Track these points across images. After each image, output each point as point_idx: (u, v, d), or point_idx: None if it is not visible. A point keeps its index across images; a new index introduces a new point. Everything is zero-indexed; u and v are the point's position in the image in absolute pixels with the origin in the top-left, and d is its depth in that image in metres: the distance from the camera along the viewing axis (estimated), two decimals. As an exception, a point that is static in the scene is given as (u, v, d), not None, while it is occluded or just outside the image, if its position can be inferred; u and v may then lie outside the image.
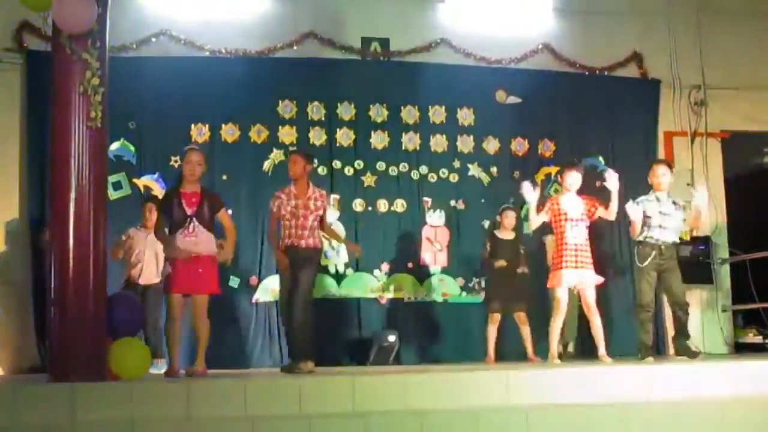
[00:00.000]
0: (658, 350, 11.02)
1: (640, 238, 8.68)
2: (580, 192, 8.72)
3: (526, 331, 9.66)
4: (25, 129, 9.99)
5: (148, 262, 9.22)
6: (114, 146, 9.95)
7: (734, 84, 11.72)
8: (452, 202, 11.01)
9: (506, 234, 9.79)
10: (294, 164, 8.13)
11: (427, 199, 10.96)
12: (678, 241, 8.85)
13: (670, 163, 8.99)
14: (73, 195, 6.32)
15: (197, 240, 7.43)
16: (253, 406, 5.82)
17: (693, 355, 8.78)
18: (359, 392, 6.01)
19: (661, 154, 11.70)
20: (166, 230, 7.55)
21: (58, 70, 6.46)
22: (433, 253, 10.90)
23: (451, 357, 10.42)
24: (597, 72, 11.73)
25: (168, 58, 10.43)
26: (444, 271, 10.90)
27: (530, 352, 9.64)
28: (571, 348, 10.00)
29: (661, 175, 8.76)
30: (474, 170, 11.14)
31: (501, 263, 9.59)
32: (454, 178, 11.08)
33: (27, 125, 9.97)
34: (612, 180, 8.57)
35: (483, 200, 11.12)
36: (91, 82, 6.37)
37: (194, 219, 7.44)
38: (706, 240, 11.44)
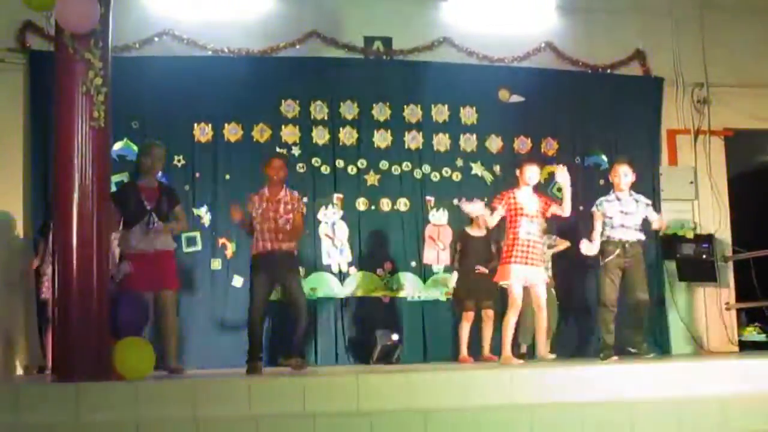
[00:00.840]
0: (666, 349, 11.07)
1: (604, 237, 8.67)
2: (537, 190, 8.81)
3: (488, 329, 9.70)
4: (28, 129, 9.99)
5: None
6: (117, 146, 9.94)
7: (738, 82, 11.71)
8: (455, 201, 10.99)
9: (477, 231, 9.79)
10: (280, 169, 8.19)
11: (430, 198, 10.95)
12: (643, 238, 8.82)
13: (631, 163, 8.94)
14: (76, 195, 6.33)
15: (156, 235, 7.44)
16: (257, 405, 5.82)
17: (646, 351, 8.78)
18: (363, 391, 6.01)
19: (665, 152, 11.70)
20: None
21: (61, 70, 6.47)
22: (436, 251, 10.89)
23: (454, 356, 10.40)
24: (600, 70, 11.71)
25: (171, 58, 10.43)
26: (447, 269, 10.89)
27: (486, 351, 9.71)
28: (524, 349, 10.00)
29: (622, 175, 8.77)
30: (477, 169, 11.13)
31: (482, 270, 9.61)
32: (456, 176, 11.07)
33: (30, 125, 9.97)
34: (562, 175, 8.57)
35: (486, 199, 11.10)
36: (94, 81, 6.38)
37: (153, 214, 7.46)
38: (709, 238, 11.44)
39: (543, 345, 8.69)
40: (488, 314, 9.70)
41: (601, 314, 8.72)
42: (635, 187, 11.12)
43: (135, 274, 7.39)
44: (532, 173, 8.64)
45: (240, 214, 7.97)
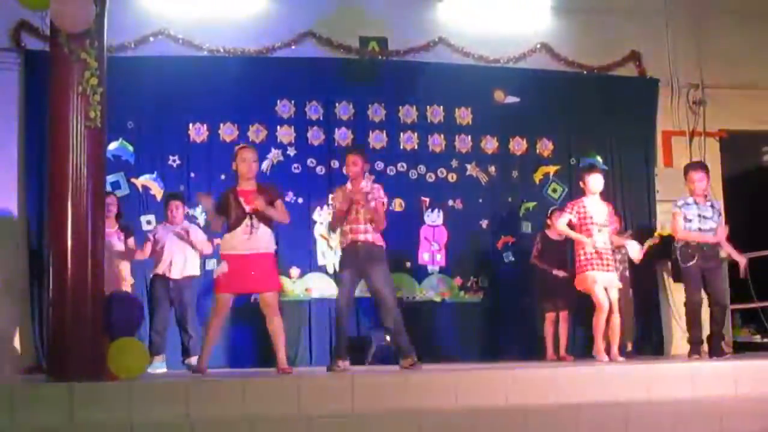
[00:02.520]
0: (660, 350, 11.09)
1: (682, 241, 8.71)
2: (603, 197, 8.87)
3: (564, 330, 9.89)
4: (23, 129, 9.98)
5: (177, 256, 9.30)
6: (112, 146, 9.95)
7: (733, 83, 11.74)
8: (450, 202, 11.02)
9: (557, 235, 9.79)
10: (354, 165, 8.09)
11: (425, 199, 10.97)
12: (719, 242, 8.86)
13: (706, 168, 8.99)
14: (71, 195, 6.31)
15: (256, 237, 7.41)
16: (252, 406, 5.81)
17: (722, 353, 8.83)
18: (358, 392, 6.01)
19: (660, 153, 11.71)
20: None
21: (57, 70, 6.45)
22: (431, 252, 10.90)
23: (449, 356, 10.42)
24: (595, 71, 11.73)
25: (166, 58, 10.43)
26: (442, 270, 10.91)
27: (563, 351, 9.87)
28: (629, 347, 10.20)
29: (697, 180, 8.77)
30: (472, 170, 11.14)
31: (560, 273, 9.70)
32: (452, 177, 11.08)
33: (25, 125, 9.97)
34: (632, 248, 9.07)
35: (481, 200, 11.13)
36: (89, 81, 6.36)
37: (253, 216, 7.42)
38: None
39: (615, 347, 8.71)
40: (563, 316, 9.86)
41: (688, 314, 8.88)
42: (633, 188, 11.24)
43: (234, 275, 7.37)
44: (596, 181, 8.62)
45: (209, 200, 7.66)
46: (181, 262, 9.30)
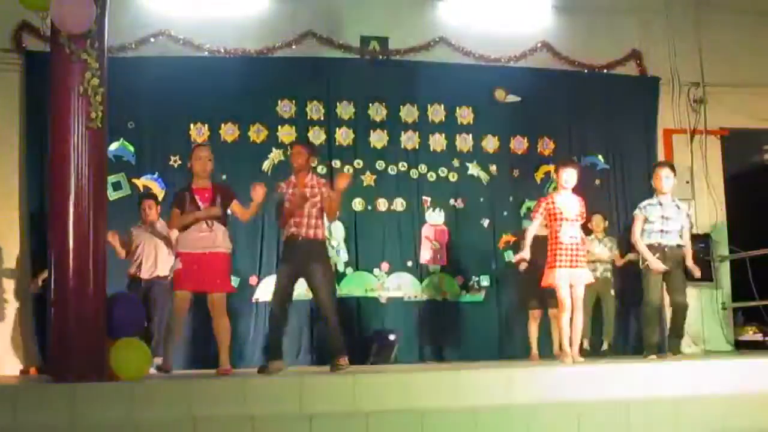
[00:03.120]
0: (662, 349, 11.07)
1: (645, 242, 8.67)
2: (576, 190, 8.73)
3: (557, 328, 9.71)
4: (24, 130, 9.99)
5: (147, 256, 9.28)
6: (113, 146, 9.96)
7: (733, 81, 11.73)
8: (451, 201, 11.02)
9: (544, 232, 9.75)
10: (298, 155, 7.91)
11: (427, 198, 10.97)
12: (682, 243, 8.82)
13: (673, 165, 8.95)
14: (72, 195, 6.31)
15: (211, 236, 7.41)
16: (253, 405, 5.82)
17: (678, 353, 8.81)
18: (360, 391, 6.01)
19: (661, 152, 11.72)
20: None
21: (58, 71, 6.45)
22: (433, 251, 10.90)
23: (451, 355, 10.43)
24: (596, 70, 11.73)
25: (167, 58, 10.43)
26: (443, 269, 10.91)
27: (557, 348, 9.66)
28: (605, 346, 10.15)
29: (664, 177, 8.73)
30: (473, 169, 11.14)
31: (521, 259, 9.65)
32: (453, 176, 11.08)
33: (26, 126, 9.98)
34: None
35: (482, 199, 11.13)
36: (90, 82, 6.36)
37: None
38: (705, 237, 11.45)
39: (576, 346, 8.67)
40: (554, 313, 9.65)
41: (645, 314, 8.77)
42: (635, 186, 11.20)
43: (190, 273, 7.38)
44: (569, 176, 8.53)
45: (262, 192, 7.61)
46: (151, 262, 9.28)
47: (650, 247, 8.60)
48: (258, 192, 7.57)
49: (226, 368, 7.44)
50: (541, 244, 9.46)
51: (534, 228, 8.52)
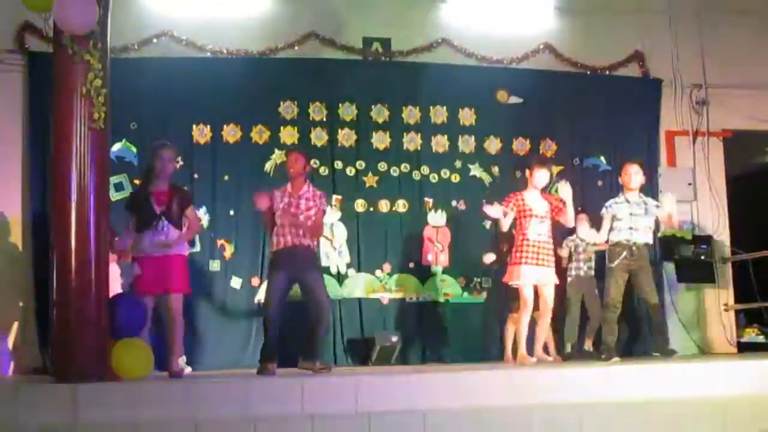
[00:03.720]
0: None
1: (613, 240, 8.65)
2: (544, 193, 8.80)
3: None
4: (27, 130, 9.99)
5: None
6: (116, 147, 9.95)
7: (736, 83, 11.72)
8: (453, 203, 11.02)
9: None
10: (295, 162, 7.97)
11: (429, 200, 10.96)
12: (650, 241, 8.81)
13: (642, 164, 8.93)
14: (74, 196, 6.32)
15: (167, 239, 7.41)
16: (255, 406, 5.82)
17: (669, 353, 8.80)
18: (362, 392, 6.01)
19: (663, 153, 11.72)
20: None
21: (60, 72, 6.46)
22: (435, 253, 10.90)
23: (453, 357, 10.43)
24: (598, 71, 11.72)
25: (169, 59, 10.43)
26: (445, 271, 10.91)
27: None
28: (569, 348, 10.03)
29: (633, 174, 8.73)
30: (475, 170, 11.14)
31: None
32: (455, 178, 11.08)
33: (29, 127, 9.97)
34: (564, 189, 8.58)
35: (484, 200, 11.07)
36: (93, 83, 6.37)
37: (163, 217, 7.42)
38: (707, 239, 11.45)
39: (540, 345, 8.68)
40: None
41: (605, 315, 8.70)
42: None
43: (148, 277, 7.36)
44: (541, 176, 8.58)
45: (267, 201, 7.78)
46: None
47: (618, 244, 8.58)
48: (261, 203, 7.62)
49: (178, 369, 7.44)
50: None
51: (509, 221, 8.54)
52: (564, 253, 10.12)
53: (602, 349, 8.73)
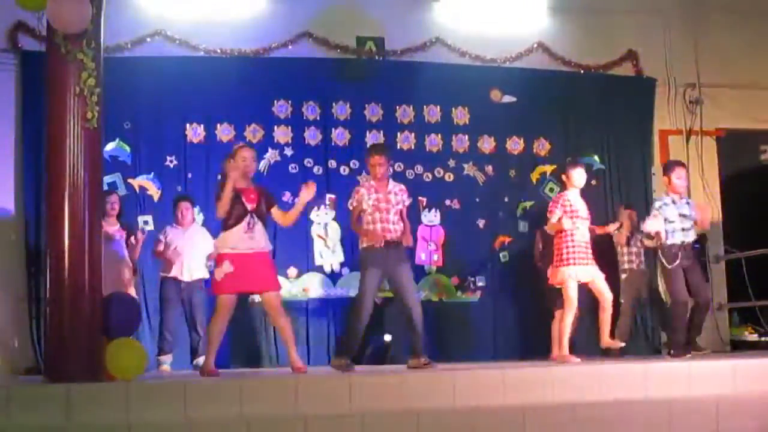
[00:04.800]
0: (657, 349, 11.09)
1: (668, 242, 8.69)
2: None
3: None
4: (20, 129, 9.98)
5: (188, 257, 9.36)
6: (109, 146, 9.94)
7: (729, 82, 11.75)
8: (447, 202, 11.02)
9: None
10: (381, 166, 8.00)
11: (422, 199, 10.95)
12: (694, 239, 8.87)
13: (685, 165, 9.01)
14: (68, 195, 6.31)
15: (255, 235, 7.37)
16: (248, 406, 5.81)
17: (698, 349, 8.90)
18: (355, 392, 6.01)
19: (657, 152, 11.73)
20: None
21: (54, 71, 6.45)
22: (428, 252, 10.90)
23: (446, 356, 10.41)
24: (592, 70, 11.74)
25: (163, 58, 10.42)
26: (439, 270, 10.92)
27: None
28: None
29: (683, 177, 8.78)
30: (469, 169, 11.14)
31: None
32: (449, 177, 11.08)
33: (22, 126, 9.96)
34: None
35: (478, 199, 11.14)
36: (86, 82, 6.35)
37: (253, 215, 7.39)
38: (701, 238, 11.44)
39: (606, 335, 8.68)
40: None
41: (674, 312, 8.71)
42: (630, 187, 11.22)
43: (237, 274, 7.28)
44: (579, 175, 8.62)
45: (312, 190, 7.64)
46: (191, 264, 9.38)
47: (674, 246, 8.61)
48: (309, 191, 7.58)
49: (300, 366, 7.36)
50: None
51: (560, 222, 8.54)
52: (612, 228, 10.05)
53: (671, 345, 8.80)
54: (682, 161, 9.31)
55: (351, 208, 8.12)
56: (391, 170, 10.74)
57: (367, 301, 7.81)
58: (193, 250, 9.39)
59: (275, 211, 7.64)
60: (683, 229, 8.66)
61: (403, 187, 8.22)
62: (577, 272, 8.45)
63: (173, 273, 9.35)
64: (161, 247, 9.40)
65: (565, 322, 8.52)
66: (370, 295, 7.83)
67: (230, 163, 7.44)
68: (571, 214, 8.50)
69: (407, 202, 8.20)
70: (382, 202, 7.95)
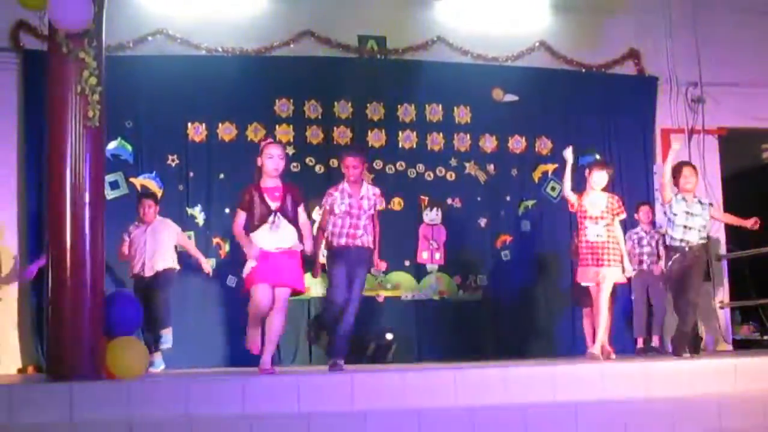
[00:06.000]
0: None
1: (667, 241, 8.70)
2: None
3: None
4: (22, 128, 9.99)
5: (149, 253, 9.23)
6: (111, 145, 9.95)
7: (731, 81, 11.73)
8: (449, 201, 11.02)
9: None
10: (355, 168, 8.00)
11: (424, 197, 10.96)
12: (705, 241, 8.83)
13: (692, 165, 8.99)
14: (70, 194, 6.31)
15: (280, 235, 7.32)
16: (251, 404, 5.81)
17: (695, 351, 8.92)
18: (357, 390, 6.01)
19: (659, 151, 11.72)
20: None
21: (55, 70, 6.44)
22: (430, 251, 10.90)
23: (448, 355, 10.42)
24: (594, 69, 11.74)
25: (165, 57, 10.43)
26: (441, 269, 10.91)
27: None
28: (640, 344, 10.20)
29: (688, 175, 8.74)
30: (471, 168, 11.14)
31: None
32: (450, 176, 11.08)
33: (24, 125, 9.98)
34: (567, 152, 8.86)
35: (479, 198, 11.13)
36: (88, 81, 6.35)
37: (278, 213, 7.34)
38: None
39: (599, 342, 8.66)
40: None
41: (693, 311, 8.70)
42: (632, 186, 11.20)
43: (266, 268, 7.17)
44: (599, 177, 8.65)
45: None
46: (154, 257, 9.22)
47: (671, 247, 8.64)
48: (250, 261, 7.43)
49: (267, 368, 7.28)
50: None
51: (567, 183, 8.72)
52: (627, 246, 10.07)
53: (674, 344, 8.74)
54: (688, 161, 9.30)
55: (321, 211, 8.17)
56: (393, 169, 10.83)
57: (337, 297, 7.89)
58: (155, 245, 9.22)
59: (301, 210, 7.52)
60: (685, 227, 8.64)
61: (377, 191, 8.24)
62: (591, 273, 8.54)
63: (136, 270, 9.23)
64: (125, 248, 9.29)
65: (586, 320, 8.59)
66: (339, 291, 7.91)
67: (259, 160, 7.43)
68: (581, 214, 8.55)
69: (380, 207, 8.25)
70: (354, 207, 7.97)
